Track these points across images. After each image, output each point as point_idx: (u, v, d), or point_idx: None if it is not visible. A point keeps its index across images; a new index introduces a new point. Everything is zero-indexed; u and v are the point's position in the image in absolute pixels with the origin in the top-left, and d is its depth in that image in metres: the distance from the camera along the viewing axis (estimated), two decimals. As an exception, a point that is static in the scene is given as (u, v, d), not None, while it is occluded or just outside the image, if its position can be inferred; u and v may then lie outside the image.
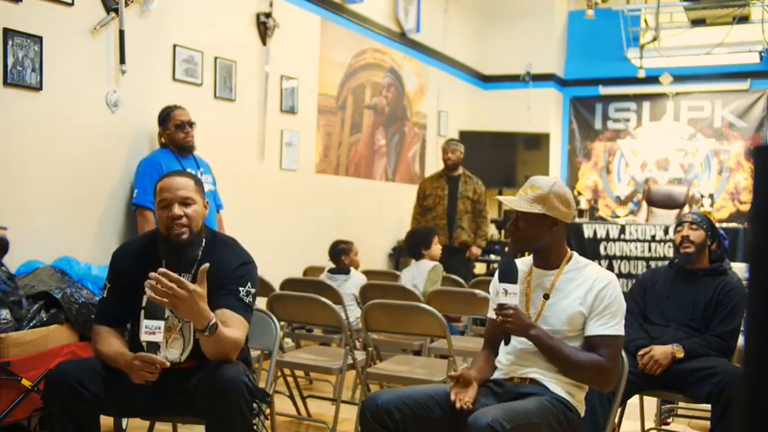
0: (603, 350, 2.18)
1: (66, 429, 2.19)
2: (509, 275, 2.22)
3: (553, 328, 2.23)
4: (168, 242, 2.35)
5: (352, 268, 4.62)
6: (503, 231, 7.42)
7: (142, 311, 2.30)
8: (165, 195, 2.35)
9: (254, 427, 2.25)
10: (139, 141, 4.15)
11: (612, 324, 2.19)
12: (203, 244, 2.43)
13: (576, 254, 2.33)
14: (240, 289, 2.36)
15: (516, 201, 2.27)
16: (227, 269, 2.38)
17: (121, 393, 2.29)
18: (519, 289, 2.23)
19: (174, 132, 4.02)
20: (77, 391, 2.19)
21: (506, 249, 2.27)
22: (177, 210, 2.32)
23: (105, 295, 2.44)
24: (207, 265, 2.23)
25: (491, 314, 2.35)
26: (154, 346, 2.19)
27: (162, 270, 2.12)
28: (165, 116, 4.06)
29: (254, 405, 2.23)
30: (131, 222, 4.01)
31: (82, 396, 2.20)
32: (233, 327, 2.28)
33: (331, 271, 4.58)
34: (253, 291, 2.40)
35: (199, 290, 2.15)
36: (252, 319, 2.46)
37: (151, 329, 2.17)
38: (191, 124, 4.06)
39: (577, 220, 7.40)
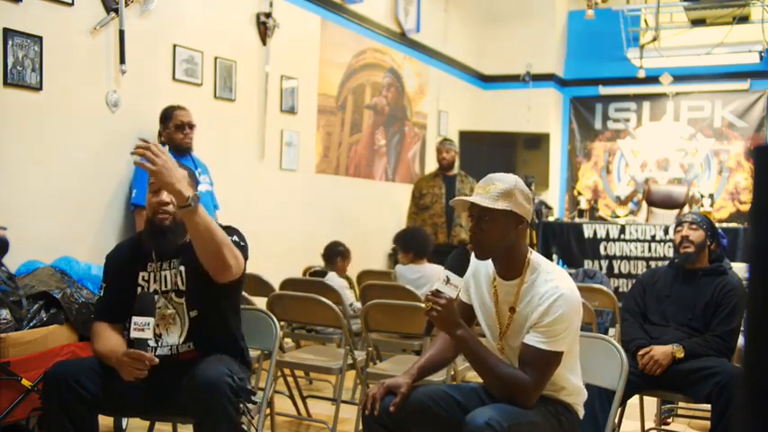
0: (530, 367, 2.05)
1: (64, 429, 2.18)
2: (458, 267, 2.12)
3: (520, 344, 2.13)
4: (152, 226, 2.36)
5: (330, 271, 4.61)
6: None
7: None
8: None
9: (242, 426, 2.24)
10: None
11: (547, 339, 2.04)
12: None
13: (533, 255, 2.17)
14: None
15: (483, 198, 2.12)
16: None
17: (119, 392, 2.29)
18: (461, 284, 2.12)
19: (173, 132, 4.02)
20: (76, 391, 2.19)
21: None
22: (165, 196, 2.32)
23: (102, 294, 2.46)
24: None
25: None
26: (143, 343, 2.19)
27: (143, 142, 2.19)
28: (167, 115, 4.06)
29: (242, 405, 2.21)
30: (131, 222, 4.01)
31: (80, 395, 2.20)
32: None
33: (311, 274, 4.64)
34: (242, 244, 2.40)
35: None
36: (251, 317, 2.44)
37: (140, 326, 2.18)
38: (190, 126, 4.05)
39: (577, 219, 7.41)
